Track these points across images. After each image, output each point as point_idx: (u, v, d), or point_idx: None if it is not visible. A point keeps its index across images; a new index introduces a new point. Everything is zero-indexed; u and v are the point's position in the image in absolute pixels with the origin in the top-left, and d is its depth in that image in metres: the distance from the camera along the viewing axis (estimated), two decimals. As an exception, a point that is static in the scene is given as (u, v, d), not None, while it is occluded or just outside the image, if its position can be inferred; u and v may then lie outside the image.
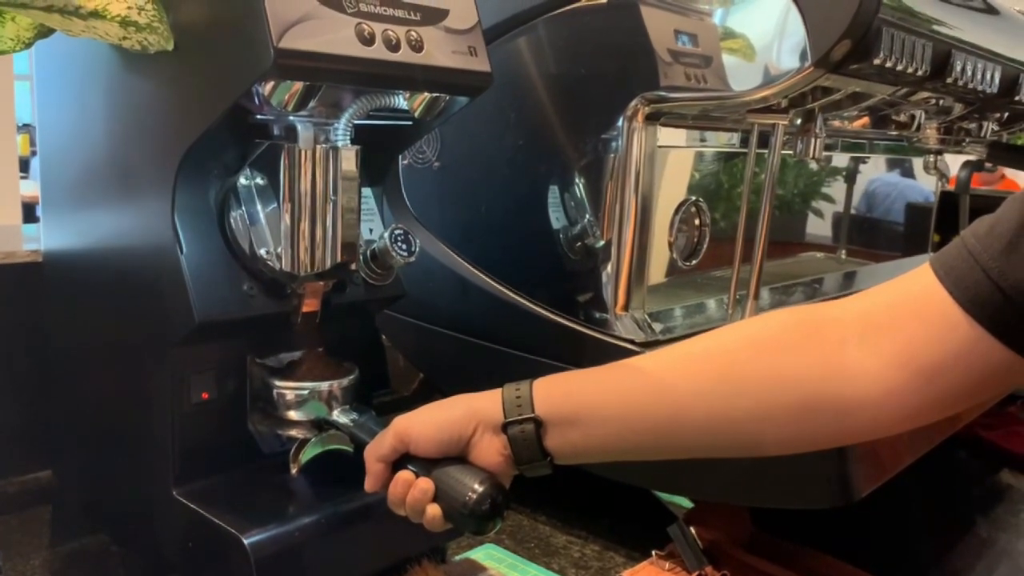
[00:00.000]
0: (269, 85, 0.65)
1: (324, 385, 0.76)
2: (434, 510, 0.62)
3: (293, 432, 0.77)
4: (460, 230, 1.01)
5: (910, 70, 0.79)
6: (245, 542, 0.68)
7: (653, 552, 0.85)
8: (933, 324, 0.52)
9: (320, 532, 0.73)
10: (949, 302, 0.51)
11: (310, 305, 0.76)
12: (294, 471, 0.76)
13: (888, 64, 0.76)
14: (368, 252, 0.80)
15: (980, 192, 2.39)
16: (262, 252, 0.72)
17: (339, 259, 0.72)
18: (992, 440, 1.25)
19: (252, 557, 0.68)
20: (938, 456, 1.21)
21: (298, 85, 0.65)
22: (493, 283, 0.96)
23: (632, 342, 0.86)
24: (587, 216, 0.91)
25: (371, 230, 0.84)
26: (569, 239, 0.93)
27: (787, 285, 1.12)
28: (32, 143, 4.67)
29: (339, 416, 0.76)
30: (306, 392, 0.76)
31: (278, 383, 0.76)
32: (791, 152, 0.89)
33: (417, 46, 0.67)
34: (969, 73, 0.88)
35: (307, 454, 0.76)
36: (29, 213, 3.53)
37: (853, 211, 1.30)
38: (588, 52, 0.89)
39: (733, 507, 0.87)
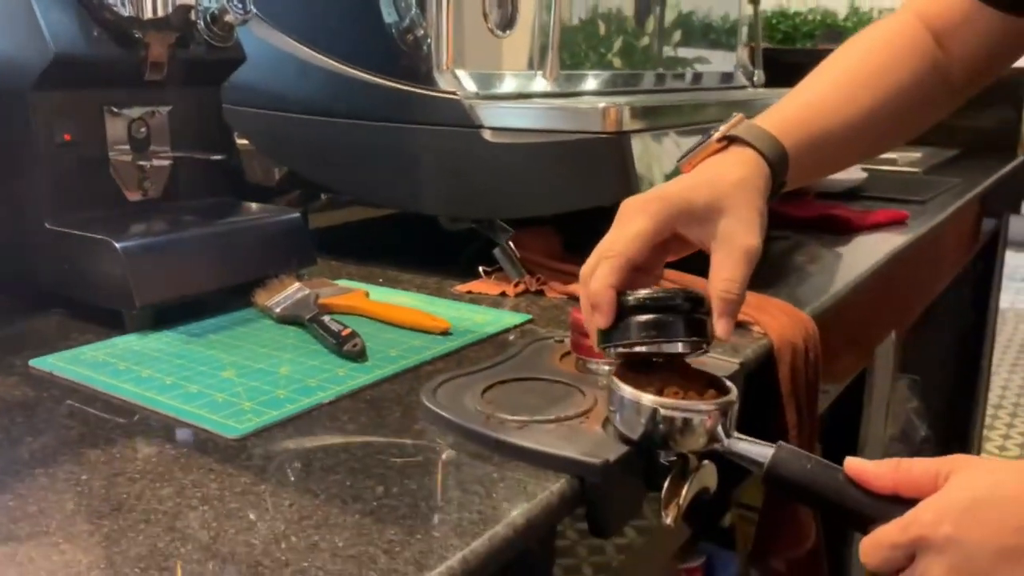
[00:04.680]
0: None
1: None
2: None
3: None
4: (301, 25, 1.10)
5: None
6: (117, 246, 0.79)
7: (481, 269, 1.00)
8: None
9: (189, 247, 0.84)
10: None
11: (156, 54, 0.86)
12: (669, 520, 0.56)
13: None
14: (208, 15, 0.89)
15: None
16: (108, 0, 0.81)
17: (177, 2, 0.81)
18: (787, 212, 1.46)
19: (125, 258, 0.78)
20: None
21: None
22: (332, 62, 1.06)
23: (454, 94, 0.99)
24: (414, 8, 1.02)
25: (209, -3, 0.93)
26: (400, 31, 1.03)
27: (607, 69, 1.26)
28: None
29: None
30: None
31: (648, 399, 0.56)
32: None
33: None
34: None
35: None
36: None
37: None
38: None
39: (546, 232, 1.02)
